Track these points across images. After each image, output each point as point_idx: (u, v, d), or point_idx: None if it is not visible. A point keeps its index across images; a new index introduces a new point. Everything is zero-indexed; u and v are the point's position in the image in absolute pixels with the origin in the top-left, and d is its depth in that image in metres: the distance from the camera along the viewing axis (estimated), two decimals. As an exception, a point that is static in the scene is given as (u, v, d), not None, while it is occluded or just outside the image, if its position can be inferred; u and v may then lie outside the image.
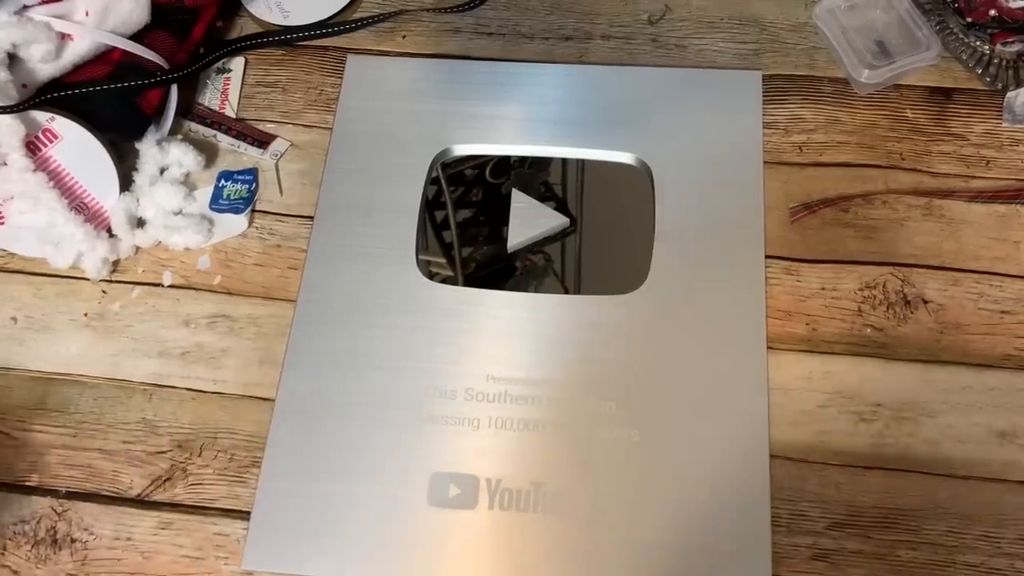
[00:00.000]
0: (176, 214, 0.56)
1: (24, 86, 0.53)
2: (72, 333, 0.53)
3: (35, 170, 0.53)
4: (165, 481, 0.49)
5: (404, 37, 0.62)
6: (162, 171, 0.57)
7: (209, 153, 0.58)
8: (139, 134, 0.56)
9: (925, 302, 0.51)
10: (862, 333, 0.50)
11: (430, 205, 0.56)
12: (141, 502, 0.48)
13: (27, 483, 0.49)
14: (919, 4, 0.57)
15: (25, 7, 0.51)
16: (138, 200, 0.55)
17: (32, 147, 0.53)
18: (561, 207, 0.55)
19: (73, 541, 0.48)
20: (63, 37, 0.52)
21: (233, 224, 0.56)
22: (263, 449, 0.48)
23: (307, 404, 0.49)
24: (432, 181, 0.56)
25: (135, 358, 0.52)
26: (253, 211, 0.56)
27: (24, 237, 0.54)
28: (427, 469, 0.47)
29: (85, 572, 0.47)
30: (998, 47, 0.56)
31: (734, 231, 0.52)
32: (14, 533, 0.48)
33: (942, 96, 0.57)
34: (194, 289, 0.54)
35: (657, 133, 0.55)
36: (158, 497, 0.48)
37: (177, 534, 0.47)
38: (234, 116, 0.59)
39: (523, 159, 0.57)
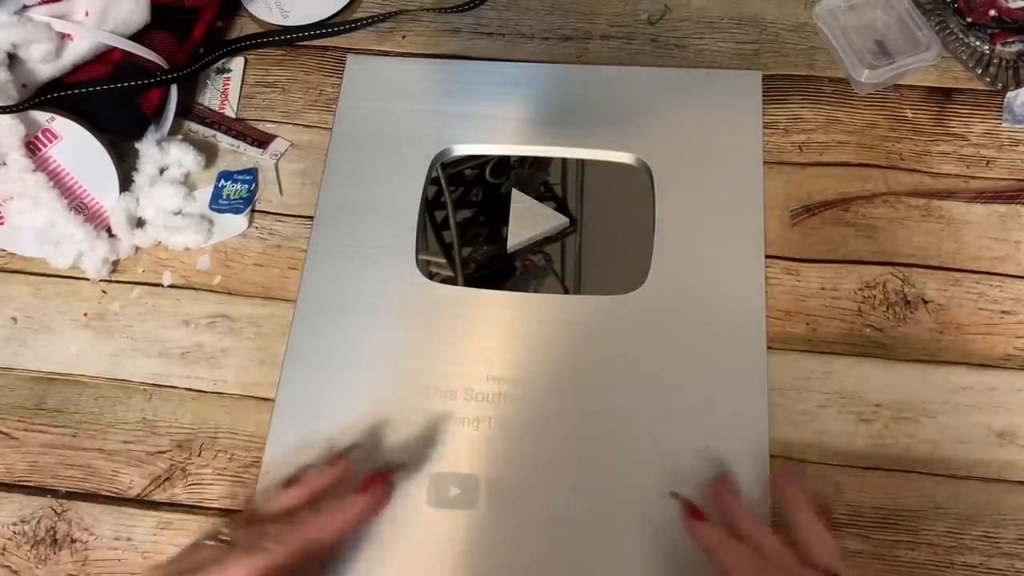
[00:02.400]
0: (176, 214, 0.56)
1: (24, 86, 0.53)
2: (72, 333, 0.53)
3: (35, 170, 0.53)
4: (165, 481, 0.49)
5: (404, 37, 0.62)
6: (162, 171, 0.57)
7: (209, 153, 0.58)
8: (139, 134, 0.56)
9: (925, 302, 0.51)
10: (862, 333, 0.50)
11: (430, 205, 0.56)
12: (141, 502, 0.48)
13: (27, 483, 0.49)
14: (919, 4, 0.57)
15: (25, 7, 0.51)
16: (138, 200, 0.55)
17: (32, 147, 0.53)
18: (561, 207, 0.55)
19: (73, 541, 0.48)
20: (63, 37, 0.52)
21: (233, 224, 0.56)
22: (263, 449, 0.48)
23: (307, 404, 0.49)
24: (432, 181, 0.56)
25: (135, 358, 0.52)
26: (253, 211, 0.56)
27: (24, 237, 0.54)
28: (427, 469, 0.47)
29: (85, 572, 0.47)
30: (998, 47, 0.56)
31: (734, 231, 0.52)
32: (14, 533, 0.48)
33: (942, 96, 0.57)
34: (194, 289, 0.54)
35: (657, 133, 0.55)
36: (158, 497, 0.48)
37: (177, 534, 0.47)
38: (234, 116, 0.59)
39: (523, 159, 0.57)
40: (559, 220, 0.55)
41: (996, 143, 0.55)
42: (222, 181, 0.57)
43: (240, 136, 0.58)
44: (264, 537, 0.41)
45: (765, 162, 0.55)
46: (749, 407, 0.48)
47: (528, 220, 0.55)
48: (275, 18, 0.62)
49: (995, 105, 0.56)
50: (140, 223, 0.56)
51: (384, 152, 0.56)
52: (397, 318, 0.51)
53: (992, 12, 0.56)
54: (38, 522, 0.48)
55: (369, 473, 0.45)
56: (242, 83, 0.61)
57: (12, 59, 0.52)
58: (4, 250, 0.56)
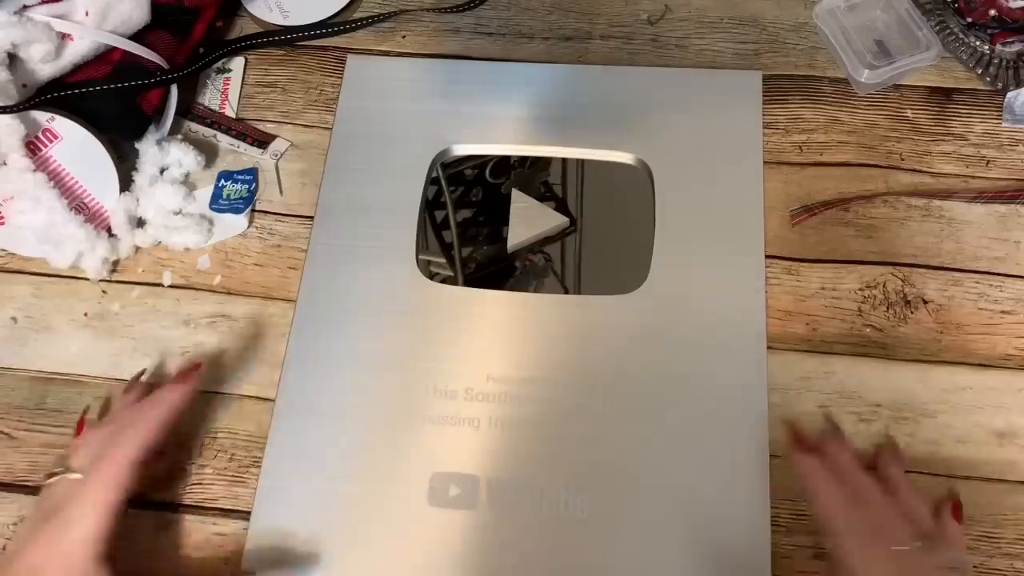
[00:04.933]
0: (176, 214, 0.56)
1: (24, 86, 0.53)
2: (72, 333, 0.53)
3: (35, 170, 0.53)
4: (165, 481, 0.49)
5: (404, 37, 0.62)
6: (162, 171, 0.57)
7: (209, 153, 0.58)
8: (139, 134, 0.56)
9: (925, 302, 0.51)
10: (862, 333, 0.50)
11: (430, 205, 0.56)
12: (141, 502, 0.48)
13: (27, 483, 0.49)
14: (919, 4, 0.57)
15: (25, 7, 0.51)
16: (138, 200, 0.55)
17: (32, 147, 0.53)
18: (561, 207, 0.55)
19: (73, 541, 0.48)
20: (63, 37, 0.52)
21: (233, 224, 0.56)
22: (263, 449, 0.48)
23: (307, 404, 0.49)
24: (432, 181, 0.56)
25: (135, 358, 0.52)
26: (253, 211, 0.56)
27: (24, 237, 0.54)
28: (427, 469, 0.47)
29: (85, 572, 0.47)
30: (998, 47, 0.56)
31: (734, 231, 0.52)
32: (14, 533, 0.48)
33: (942, 96, 0.57)
34: (194, 289, 0.54)
35: (657, 133, 0.55)
36: (158, 497, 0.48)
37: (177, 534, 0.47)
38: (234, 116, 0.59)
39: (523, 159, 0.57)
40: (559, 220, 0.55)
41: (996, 143, 0.55)
42: (222, 181, 0.57)
43: (240, 136, 0.58)
44: (103, 452, 0.43)
45: (765, 162, 0.55)
46: (749, 407, 0.48)
47: (528, 220, 0.55)
48: (275, 18, 0.62)
49: (995, 105, 0.56)
50: (140, 223, 0.56)
51: (384, 152, 0.56)
52: (397, 318, 0.51)
53: (992, 12, 0.56)
54: (38, 522, 0.48)
55: (182, 366, 0.48)
56: (242, 83, 0.61)
57: (12, 59, 0.52)
58: (4, 250, 0.56)
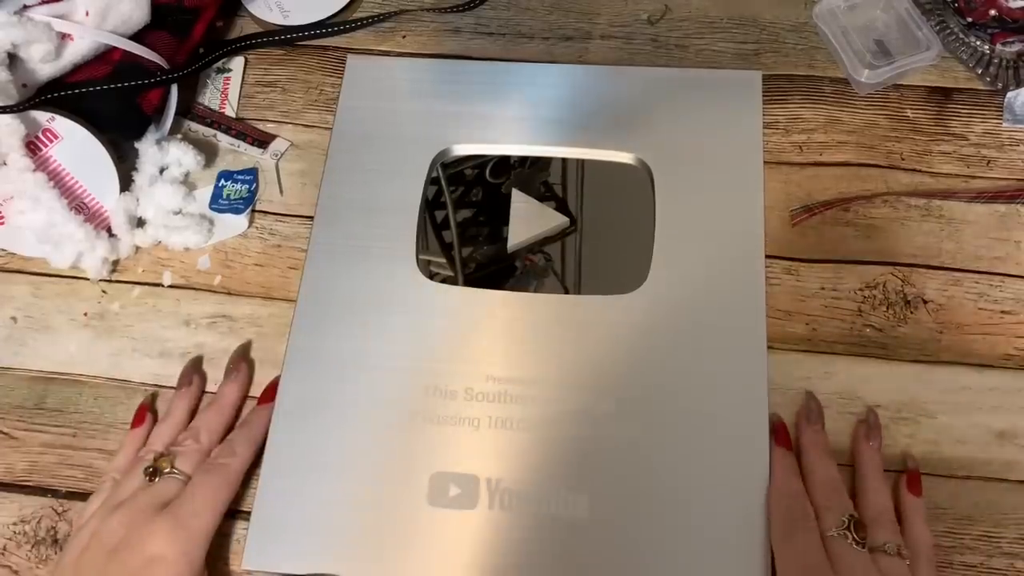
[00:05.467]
0: (176, 214, 0.56)
1: (24, 86, 0.53)
2: (72, 333, 0.53)
3: (35, 170, 0.52)
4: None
5: (404, 37, 0.62)
6: (162, 171, 0.57)
7: (209, 153, 0.58)
8: (139, 134, 0.56)
9: (925, 302, 0.51)
10: (862, 333, 0.50)
11: (430, 205, 0.56)
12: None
13: (27, 483, 0.49)
14: (919, 4, 0.57)
15: (25, 7, 0.51)
16: (138, 200, 0.55)
17: (32, 147, 0.53)
18: (561, 207, 0.55)
19: (73, 541, 0.48)
20: (63, 37, 0.52)
21: (233, 224, 0.56)
22: (263, 449, 0.48)
23: (307, 404, 0.49)
24: (432, 181, 0.56)
25: (135, 358, 0.52)
26: (253, 211, 0.56)
27: (24, 237, 0.54)
28: (427, 469, 0.47)
29: (85, 572, 0.47)
30: (998, 47, 0.56)
31: (734, 231, 0.52)
32: (14, 533, 0.48)
33: (942, 96, 0.57)
34: (194, 289, 0.54)
35: (657, 133, 0.55)
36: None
37: (177, 534, 0.47)
38: (234, 116, 0.59)
39: (523, 159, 0.57)
40: (559, 220, 0.55)
41: (996, 143, 0.55)
42: (222, 181, 0.57)
43: (240, 136, 0.58)
44: (218, 459, 0.46)
45: (765, 162, 0.55)
46: (749, 407, 0.47)
47: (528, 220, 0.55)
48: (275, 18, 0.62)
49: (995, 105, 0.56)
50: (140, 223, 0.56)
51: (384, 152, 0.56)
52: (397, 318, 0.51)
53: (992, 12, 0.56)
54: (38, 522, 0.48)
55: (267, 385, 0.50)
56: (242, 83, 0.61)
57: (12, 59, 0.52)
58: (4, 250, 0.56)
